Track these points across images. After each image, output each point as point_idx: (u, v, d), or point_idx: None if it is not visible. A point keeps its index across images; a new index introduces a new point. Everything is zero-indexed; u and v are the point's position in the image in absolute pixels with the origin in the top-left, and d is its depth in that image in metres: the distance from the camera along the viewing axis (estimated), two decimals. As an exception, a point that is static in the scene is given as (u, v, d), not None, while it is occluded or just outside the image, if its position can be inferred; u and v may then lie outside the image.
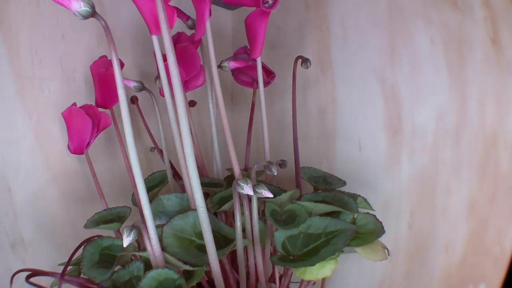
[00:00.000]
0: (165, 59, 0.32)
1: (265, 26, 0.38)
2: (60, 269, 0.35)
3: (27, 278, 0.36)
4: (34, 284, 0.36)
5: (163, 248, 0.35)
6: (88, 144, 0.43)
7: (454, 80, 0.44)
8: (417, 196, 0.48)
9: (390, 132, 0.50)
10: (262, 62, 0.46)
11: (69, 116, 0.43)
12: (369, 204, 0.43)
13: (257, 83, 0.46)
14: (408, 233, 0.48)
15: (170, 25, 0.32)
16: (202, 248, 0.35)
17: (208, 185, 0.44)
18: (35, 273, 0.35)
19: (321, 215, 0.38)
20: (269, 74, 0.48)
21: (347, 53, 0.54)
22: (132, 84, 0.43)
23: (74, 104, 0.43)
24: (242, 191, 0.33)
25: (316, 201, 0.39)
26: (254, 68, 0.44)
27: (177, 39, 0.46)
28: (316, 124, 0.58)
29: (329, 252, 0.34)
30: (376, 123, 0.51)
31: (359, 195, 0.43)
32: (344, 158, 0.55)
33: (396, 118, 0.49)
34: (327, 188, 0.44)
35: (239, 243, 0.35)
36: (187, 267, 0.33)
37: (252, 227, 0.36)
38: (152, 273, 0.33)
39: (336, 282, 0.54)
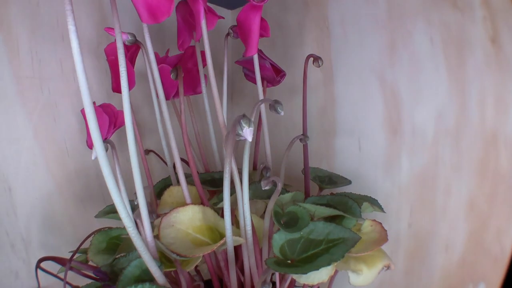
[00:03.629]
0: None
1: (258, 22, 0.36)
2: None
3: (38, 262, 0.38)
4: (45, 271, 0.39)
5: (159, 238, 0.35)
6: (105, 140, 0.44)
7: (453, 79, 0.44)
8: (417, 196, 0.48)
9: (390, 132, 0.50)
10: (271, 60, 0.46)
11: None
12: (380, 206, 0.42)
13: (268, 81, 0.46)
14: (408, 232, 0.49)
15: (167, 13, 0.31)
16: (196, 242, 0.36)
17: (209, 182, 0.44)
18: (44, 258, 0.38)
19: (325, 219, 0.37)
20: (278, 72, 0.47)
21: (346, 52, 0.54)
22: (125, 38, 0.40)
23: (93, 103, 0.44)
24: None
25: (319, 204, 0.38)
26: (264, 66, 0.43)
27: (184, 53, 0.46)
28: (315, 123, 0.58)
29: (325, 262, 0.33)
30: (376, 123, 0.51)
31: (369, 198, 0.42)
32: (344, 157, 0.55)
33: (395, 117, 0.49)
34: (333, 192, 0.44)
35: (226, 189, 0.33)
36: (176, 257, 0.35)
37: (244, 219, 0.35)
38: (135, 262, 0.34)
39: (336, 280, 0.54)
